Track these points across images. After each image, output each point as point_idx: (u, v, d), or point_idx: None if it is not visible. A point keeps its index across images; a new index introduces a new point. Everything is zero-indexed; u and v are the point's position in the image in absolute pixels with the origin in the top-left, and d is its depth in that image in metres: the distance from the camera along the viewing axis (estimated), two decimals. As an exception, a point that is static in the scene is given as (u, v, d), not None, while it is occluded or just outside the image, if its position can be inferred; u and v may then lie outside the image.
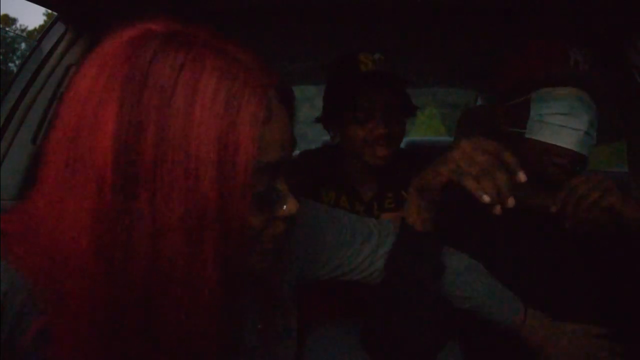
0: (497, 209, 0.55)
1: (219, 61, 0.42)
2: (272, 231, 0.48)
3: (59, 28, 1.11)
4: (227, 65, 0.42)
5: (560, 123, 0.80)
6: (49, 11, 1.18)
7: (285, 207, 0.48)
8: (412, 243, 0.66)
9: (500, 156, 0.56)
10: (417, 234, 0.65)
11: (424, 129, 12.79)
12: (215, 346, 0.44)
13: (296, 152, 1.65)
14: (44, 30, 1.13)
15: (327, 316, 1.02)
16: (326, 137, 1.47)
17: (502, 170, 0.55)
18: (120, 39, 0.42)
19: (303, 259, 0.65)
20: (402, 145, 1.21)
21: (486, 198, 0.54)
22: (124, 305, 0.40)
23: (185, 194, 0.40)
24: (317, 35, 1.34)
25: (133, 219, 0.39)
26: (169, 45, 0.41)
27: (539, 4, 1.05)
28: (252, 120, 0.41)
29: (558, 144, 0.80)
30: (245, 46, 0.45)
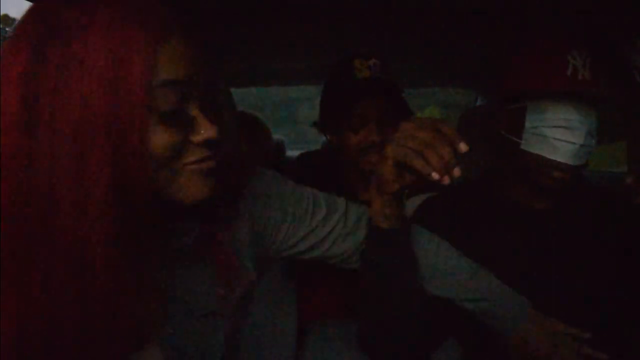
0: (445, 179, 0.56)
1: (107, 8, 0.44)
2: (192, 156, 0.49)
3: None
4: (114, 3, 0.44)
5: (556, 136, 0.78)
6: (49, 11, 1.17)
7: (202, 131, 0.48)
8: (380, 241, 0.67)
9: (440, 130, 0.57)
10: (384, 232, 0.66)
11: (424, 129, 12.72)
12: (116, 280, 0.44)
13: (295, 154, 1.65)
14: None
15: (327, 316, 1.02)
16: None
17: (444, 143, 0.56)
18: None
19: (264, 228, 0.65)
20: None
21: (435, 175, 0.56)
22: (27, 230, 0.43)
23: (77, 114, 0.42)
24: (317, 35, 1.34)
25: (33, 157, 0.42)
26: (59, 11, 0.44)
27: (539, 4, 1.05)
28: (144, 38, 0.43)
29: (553, 158, 0.79)
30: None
